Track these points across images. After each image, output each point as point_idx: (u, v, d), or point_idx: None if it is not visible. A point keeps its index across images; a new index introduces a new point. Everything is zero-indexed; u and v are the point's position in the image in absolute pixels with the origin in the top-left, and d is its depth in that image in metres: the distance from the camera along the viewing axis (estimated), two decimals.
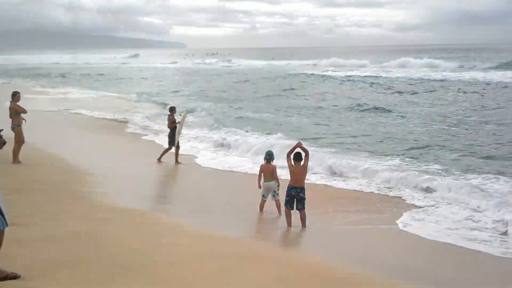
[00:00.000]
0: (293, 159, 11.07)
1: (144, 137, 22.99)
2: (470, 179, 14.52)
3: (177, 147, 17.73)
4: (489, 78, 49.43)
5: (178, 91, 45.95)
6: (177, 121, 17.74)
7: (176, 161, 17.57)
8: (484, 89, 40.33)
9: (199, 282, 7.39)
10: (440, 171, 15.63)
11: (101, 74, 71.81)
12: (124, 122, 27.32)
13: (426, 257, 9.80)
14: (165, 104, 33.38)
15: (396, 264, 9.21)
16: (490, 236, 10.51)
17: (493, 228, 10.98)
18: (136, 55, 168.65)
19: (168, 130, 17.97)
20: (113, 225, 10.01)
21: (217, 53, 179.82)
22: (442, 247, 10.07)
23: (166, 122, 18.30)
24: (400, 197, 13.53)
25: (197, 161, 18.28)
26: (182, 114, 18.66)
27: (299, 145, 11.10)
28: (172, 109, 18.35)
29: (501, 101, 33.04)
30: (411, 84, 46.53)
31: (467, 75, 53.51)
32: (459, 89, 40.39)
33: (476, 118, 26.31)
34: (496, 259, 9.48)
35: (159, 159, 17.66)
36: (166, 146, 18.06)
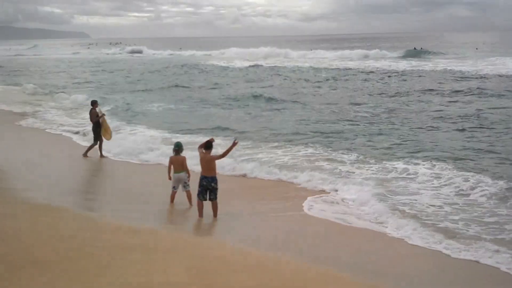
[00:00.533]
0: (204, 148, 11.10)
1: (48, 131, 21.97)
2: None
3: (100, 141, 17.47)
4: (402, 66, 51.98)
5: (78, 83, 44.27)
6: (100, 114, 17.45)
7: (101, 155, 17.39)
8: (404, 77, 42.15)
9: (108, 274, 7.29)
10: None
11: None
12: (24, 115, 25.95)
13: (329, 238, 10.34)
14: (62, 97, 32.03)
15: (305, 247, 9.61)
16: None
17: None
18: (35, 46, 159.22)
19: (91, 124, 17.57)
20: (23, 221, 9.69)
21: (120, 43, 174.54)
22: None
23: (89, 116, 17.79)
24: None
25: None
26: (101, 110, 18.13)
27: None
28: (94, 103, 17.78)
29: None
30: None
31: (376, 64, 55.69)
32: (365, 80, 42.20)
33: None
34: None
35: (85, 154, 17.31)
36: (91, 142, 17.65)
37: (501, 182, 12.95)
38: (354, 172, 14.67)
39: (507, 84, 34.41)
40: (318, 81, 41.09)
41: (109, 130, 17.77)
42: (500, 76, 39.80)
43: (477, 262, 9.03)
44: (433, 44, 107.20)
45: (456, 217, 11.06)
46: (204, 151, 11.07)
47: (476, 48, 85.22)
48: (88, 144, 17.94)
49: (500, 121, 21.98)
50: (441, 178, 13.82)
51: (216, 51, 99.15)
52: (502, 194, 12.31)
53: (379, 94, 32.32)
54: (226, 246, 9.36)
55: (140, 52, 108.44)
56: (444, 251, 9.48)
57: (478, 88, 32.43)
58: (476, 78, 39.28)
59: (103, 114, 17.78)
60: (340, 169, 14.96)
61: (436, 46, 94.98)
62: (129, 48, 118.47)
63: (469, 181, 13.29)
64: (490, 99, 28.31)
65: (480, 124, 21.37)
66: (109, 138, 17.74)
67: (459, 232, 10.26)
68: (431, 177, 13.91)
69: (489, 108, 25.17)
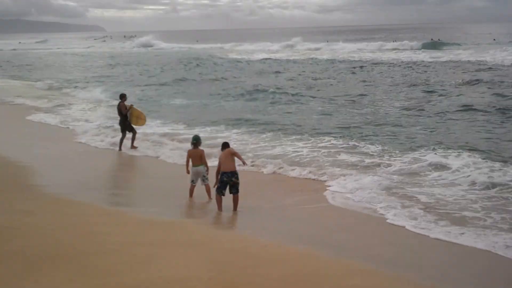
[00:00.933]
0: (223, 147, 11.31)
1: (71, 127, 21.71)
2: None
3: (134, 132, 17.68)
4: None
5: (91, 78, 44.10)
6: (128, 107, 17.64)
7: (132, 146, 17.59)
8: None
9: (127, 270, 7.29)
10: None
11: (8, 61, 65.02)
12: (40, 109, 26.08)
13: (351, 227, 10.32)
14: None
15: (328, 239, 9.57)
16: None
17: None
18: (44, 41, 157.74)
19: (118, 117, 17.72)
20: (43, 216, 9.72)
21: (135, 36, 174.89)
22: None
23: (116, 110, 17.90)
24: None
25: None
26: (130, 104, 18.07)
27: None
28: (123, 96, 17.91)
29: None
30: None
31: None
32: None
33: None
34: None
35: (119, 148, 17.57)
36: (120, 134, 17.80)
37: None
38: (379, 164, 14.56)
39: None
40: (339, 73, 40.90)
41: (142, 115, 18.02)
42: None
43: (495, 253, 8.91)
44: (450, 35, 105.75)
45: (478, 208, 10.93)
46: (222, 150, 11.23)
47: (494, 39, 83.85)
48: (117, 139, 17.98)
49: None
50: (469, 167, 13.58)
51: (233, 43, 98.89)
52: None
53: (397, 84, 32.03)
54: (247, 239, 9.34)
55: (151, 46, 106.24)
56: (464, 243, 9.31)
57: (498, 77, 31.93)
58: (496, 69, 38.65)
59: (131, 105, 17.90)
60: (365, 161, 14.91)
61: (453, 37, 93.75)
62: (139, 41, 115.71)
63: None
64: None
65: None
66: (144, 123, 18.14)
67: (479, 223, 10.13)
68: (458, 168, 13.63)
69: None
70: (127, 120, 17.54)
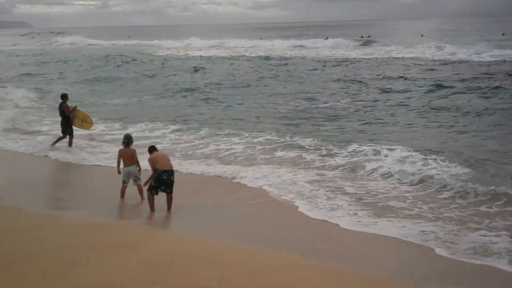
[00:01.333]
0: (151, 151, 11.01)
1: None
2: None
3: (71, 134, 16.99)
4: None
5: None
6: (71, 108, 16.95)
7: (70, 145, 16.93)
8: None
9: (63, 274, 7.12)
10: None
11: None
12: None
13: (285, 222, 10.39)
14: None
15: (261, 234, 9.61)
16: None
17: None
18: None
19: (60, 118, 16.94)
20: None
21: (63, 32, 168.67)
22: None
23: (58, 111, 17.02)
24: None
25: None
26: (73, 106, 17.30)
27: None
28: (65, 96, 17.05)
29: None
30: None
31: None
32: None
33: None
34: None
35: (53, 143, 16.95)
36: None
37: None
38: (314, 159, 14.74)
39: (456, 69, 35.51)
40: (272, 70, 41.10)
41: (88, 119, 17.39)
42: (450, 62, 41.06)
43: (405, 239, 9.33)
44: (380, 32, 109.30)
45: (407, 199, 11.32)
46: (150, 154, 10.93)
47: (422, 35, 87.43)
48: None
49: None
50: (403, 162, 13.96)
51: (166, 40, 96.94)
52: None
53: (333, 81, 32.65)
54: (183, 238, 9.21)
55: (80, 42, 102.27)
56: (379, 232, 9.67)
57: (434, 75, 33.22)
58: (425, 64, 40.36)
59: (75, 106, 17.20)
60: (301, 156, 15.07)
61: (383, 34, 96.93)
62: (68, 38, 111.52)
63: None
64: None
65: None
66: (90, 127, 17.56)
67: (409, 213, 10.47)
68: (393, 162, 13.99)
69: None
70: (70, 122, 16.79)
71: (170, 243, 8.87)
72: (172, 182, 10.77)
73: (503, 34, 78.72)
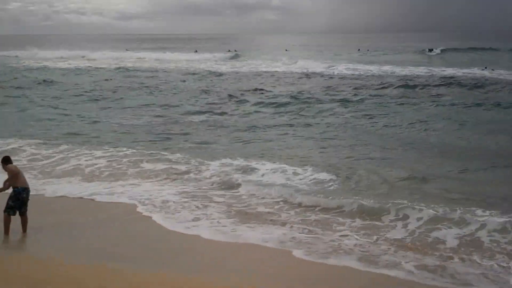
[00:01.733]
0: (5, 161, 10.28)
1: None
2: None
3: None
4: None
5: None
6: None
7: None
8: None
9: None
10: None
11: None
12: None
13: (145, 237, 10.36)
14: None
15: (122, 252, 9.46)
16: None
17: None
18: None
19: None
20: None
21: None
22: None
23: None
24: None
25: None
26: None
27: None
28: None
29: None
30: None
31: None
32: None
33: None
34: None
35: None
36: None
37: None
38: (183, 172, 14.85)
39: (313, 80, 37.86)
40: (137, 82, 40.21)
41: None
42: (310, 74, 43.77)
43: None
44: (246, 46, 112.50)
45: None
46: (6, 165, 10.19)
47: (286, 50, 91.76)
48: None
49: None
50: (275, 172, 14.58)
51: (23, 51, 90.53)
52: None
53: (198, 94, 32.97)
54: (42, 262, 8.74)
55: None
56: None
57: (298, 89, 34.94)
58: (290, 77, 42.65)
59: None
60: (167, 169, 15.11)
61: (249, 48, 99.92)
62: None
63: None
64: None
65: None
66: None
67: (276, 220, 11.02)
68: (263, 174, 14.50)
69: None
70: None
71: (28, 267, 8.42)
72: (28, 200, 10.14)
73: (358, 49, 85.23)
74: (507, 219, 10.42)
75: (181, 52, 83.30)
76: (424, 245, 9.71)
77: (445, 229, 10.30)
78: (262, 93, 32.68)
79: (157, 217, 11.39)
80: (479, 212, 10.97)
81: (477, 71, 42.69)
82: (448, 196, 12.31)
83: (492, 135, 19.27)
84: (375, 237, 10.08)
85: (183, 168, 15.23)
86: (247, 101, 29.42)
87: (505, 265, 8.81)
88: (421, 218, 10.77)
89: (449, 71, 43.08)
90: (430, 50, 74.00)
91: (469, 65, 48.01)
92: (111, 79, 42.21)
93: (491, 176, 14.22)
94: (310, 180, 13.83)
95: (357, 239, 10.04)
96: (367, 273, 8.58)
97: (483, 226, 10.27)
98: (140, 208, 11.97)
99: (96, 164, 15.69)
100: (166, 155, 16.60)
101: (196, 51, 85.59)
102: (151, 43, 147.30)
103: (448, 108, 25.57)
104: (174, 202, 12.28)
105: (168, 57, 72.39)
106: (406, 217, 10.94)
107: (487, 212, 10.92)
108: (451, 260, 9.03)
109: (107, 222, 11.31)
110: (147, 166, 15.49)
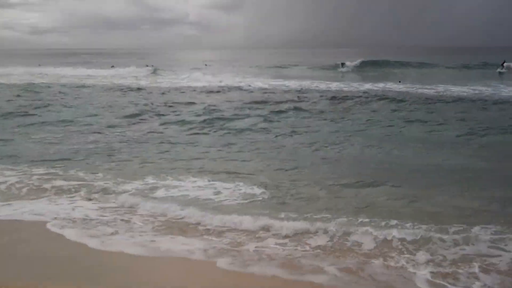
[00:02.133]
0: None
1: None
2: None
3: None
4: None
5: None
6: None
7: None
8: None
9: None
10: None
11: None
12: None
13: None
14: None
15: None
16: None
17: None
18: None
19: None
20: None
21: None
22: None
23: None
24: None
25: None
26: None
27: None
28: None
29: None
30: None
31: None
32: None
33: None
34: None
35: None
36: None
37: None
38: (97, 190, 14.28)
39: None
40: (55, 98, 38.76)
41: None
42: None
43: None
44: (164, 62, 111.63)
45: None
46: None
47: (205, 65, 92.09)
48: None
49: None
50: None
51: None
52: None
53: (121, 111, 32.20)
54: None
55: None
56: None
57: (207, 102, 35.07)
58: (209, 91, 42.73)
59: None
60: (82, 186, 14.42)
61: (169, 63, 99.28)
62: None
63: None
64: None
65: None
66: None
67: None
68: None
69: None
70: None
71: None
72: None
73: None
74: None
75: (97, 67, 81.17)
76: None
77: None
78: (192, 105, 32.60)
79: (69, 233, 10.92)
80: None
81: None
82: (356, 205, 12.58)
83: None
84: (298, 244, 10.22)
85: (98, 185, 14.66)
86: (164, 115, 29.13)
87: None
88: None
89: (366, 86, 45.21)
90: (343, 64, 76.96)
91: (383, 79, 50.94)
92: (19, 95, 40.11)
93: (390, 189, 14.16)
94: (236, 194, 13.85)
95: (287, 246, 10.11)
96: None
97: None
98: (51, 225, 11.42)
99: (6, 182, 14.77)
100: (77, 173, 16.00)
101: (113, 66, 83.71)
102: (66, 58, 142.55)
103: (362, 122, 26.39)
104: (91, 219, 11.80)
105: (83, 73, 70.23)
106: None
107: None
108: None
109: (16, 242, 10.67)
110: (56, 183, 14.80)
